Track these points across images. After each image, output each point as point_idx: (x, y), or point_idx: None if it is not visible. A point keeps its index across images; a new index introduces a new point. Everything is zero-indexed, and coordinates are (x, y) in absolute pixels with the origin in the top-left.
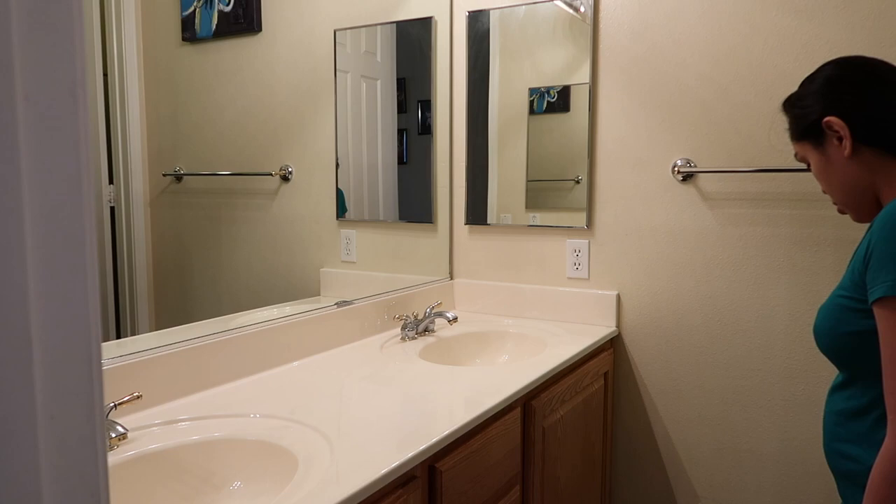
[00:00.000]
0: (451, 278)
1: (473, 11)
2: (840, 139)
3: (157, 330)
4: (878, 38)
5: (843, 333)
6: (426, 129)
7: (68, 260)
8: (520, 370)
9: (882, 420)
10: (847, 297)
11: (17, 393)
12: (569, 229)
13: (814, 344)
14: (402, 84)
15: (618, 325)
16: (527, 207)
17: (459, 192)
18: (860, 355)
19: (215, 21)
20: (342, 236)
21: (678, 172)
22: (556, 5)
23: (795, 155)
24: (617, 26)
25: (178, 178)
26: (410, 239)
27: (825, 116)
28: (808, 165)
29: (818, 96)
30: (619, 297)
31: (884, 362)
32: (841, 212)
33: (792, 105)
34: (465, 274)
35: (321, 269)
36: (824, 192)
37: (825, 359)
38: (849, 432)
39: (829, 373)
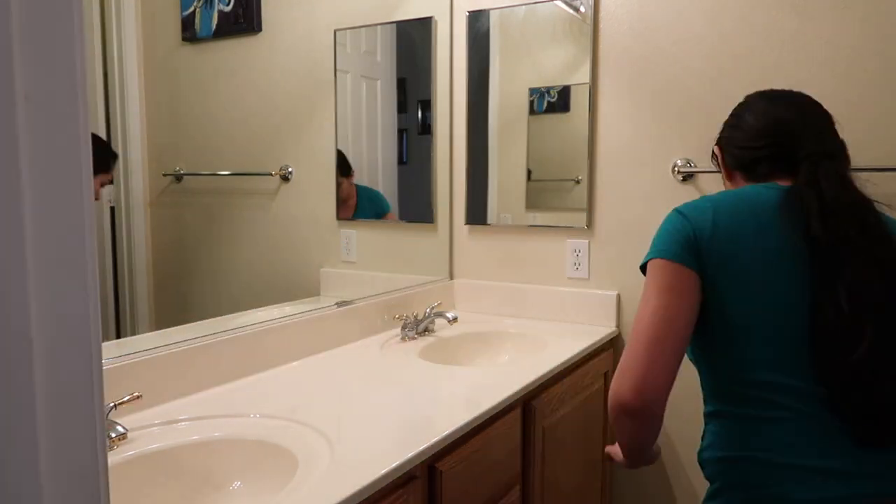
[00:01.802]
0: (451, 278)
1: (473, 11)
2: (721, 162)
3: (157, 330)
4: (878, 38)
5: None
6: (426, 129)
7: (68, 260)
8: (520, 370)
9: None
10: None
11: (17, 393)
12: (569, 229)
13: None
14: (402, 84)
15: (618, 325)
16: (527, 207)
17: (459, 192)
18: None
19: (215, 21)
20: (342, 236)
21: (678, 172)
22: (556, 5)
23: None
24: (617, 26)
25: (178, 178)
26: (410, 239)
27: (715, 144)
28: None
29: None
30: (619, 297)
31: None
32: None
33: None
34: (465, 274)
35: (321, 269)
36: None
37: None
38: None
39: None
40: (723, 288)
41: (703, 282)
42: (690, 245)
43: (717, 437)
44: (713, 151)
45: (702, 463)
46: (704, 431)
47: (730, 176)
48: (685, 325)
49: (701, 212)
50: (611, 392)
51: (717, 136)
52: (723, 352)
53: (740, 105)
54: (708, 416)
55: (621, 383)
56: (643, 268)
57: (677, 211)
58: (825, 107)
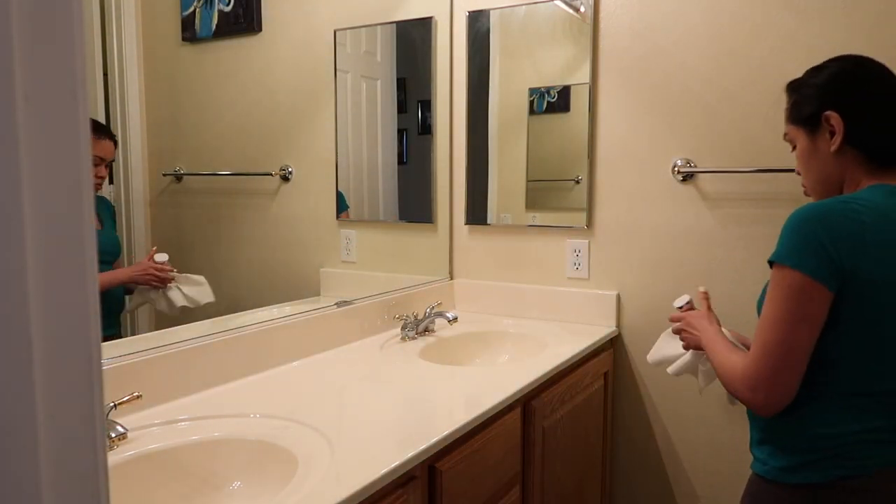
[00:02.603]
0: (451, 278)
1: (473, 11)
2: (832, 134)
3: (157, 330)
4: (879, 39)
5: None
6: (426, 129)
7: (68, 260)
8: (520, 370)
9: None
10: None
11: (17, 393)
12: (569, 229)
13: None
14: (402, 84)
15: (618, 325)
16: (527, 207)
17: (459, 192)
18: None
19: (215, 21)
20: (342, 236)
21: (678, 172)
22: (556, 5)
23: (785, 136)
24: (617, 26)
25: (178, 178)
26: (410, 239)
27: (827, 110)
28: (794, 148)
29: (825, 89)
30: (618, 297)
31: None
32: (806, 194)
33: (797, 89)
34: (465, 274)
35: (321, 269)
36: (798, 173)
37: None
38: None
39: None
40: (871, 303)
41: (842, 296)
42: (833, 260)
43: (834, 415)
44: (825, 117)
45: (809, 438)
46: (814, 410)
47: (840, 151)
48: (813, 344)
49: (846, 220)
50: (740, 396)
51: (828, 98)
52: (849, 359)
53: (863, 69)
54: (814, 395)
55: (753, 396)
56: (771, 263)
57: (817, 216)
58: None
